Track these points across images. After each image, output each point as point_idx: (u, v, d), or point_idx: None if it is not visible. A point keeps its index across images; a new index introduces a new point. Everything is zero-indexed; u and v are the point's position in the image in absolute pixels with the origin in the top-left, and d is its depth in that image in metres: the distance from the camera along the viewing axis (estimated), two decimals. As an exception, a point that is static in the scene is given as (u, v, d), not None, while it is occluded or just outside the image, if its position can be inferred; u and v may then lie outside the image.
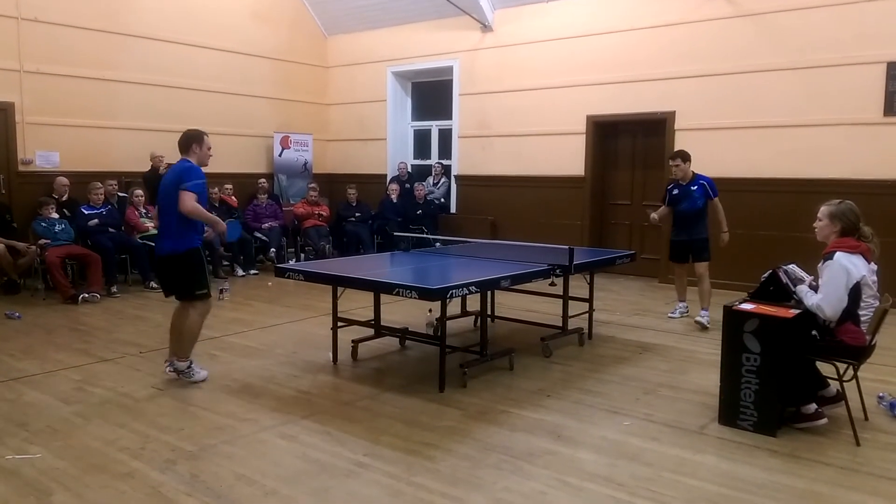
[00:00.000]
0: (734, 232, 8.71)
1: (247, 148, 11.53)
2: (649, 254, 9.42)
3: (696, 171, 7.01)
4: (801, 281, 4.20)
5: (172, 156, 9.63)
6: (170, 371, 4.91)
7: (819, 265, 4.03)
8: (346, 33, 12.56)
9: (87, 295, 7.73)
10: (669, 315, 7.30)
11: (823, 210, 4.12)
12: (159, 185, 4.83)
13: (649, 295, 8.49)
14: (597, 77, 9.71)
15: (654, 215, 7.12)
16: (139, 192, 9.15)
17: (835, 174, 7.90)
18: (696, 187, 6.87)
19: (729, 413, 4.12)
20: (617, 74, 9.52)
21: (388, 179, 11.92)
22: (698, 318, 6.81)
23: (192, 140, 4.78)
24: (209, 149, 4.86)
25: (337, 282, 5.19)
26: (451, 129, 11.62)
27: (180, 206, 4.52)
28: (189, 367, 4.88)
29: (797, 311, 4.01)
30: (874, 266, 4.03)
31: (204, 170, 4.73)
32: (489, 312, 6.45)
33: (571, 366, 5.44)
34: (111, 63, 9.75)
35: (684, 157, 6.98)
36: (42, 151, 9.15)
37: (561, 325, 6.02)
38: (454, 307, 6.07)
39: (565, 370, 5.32)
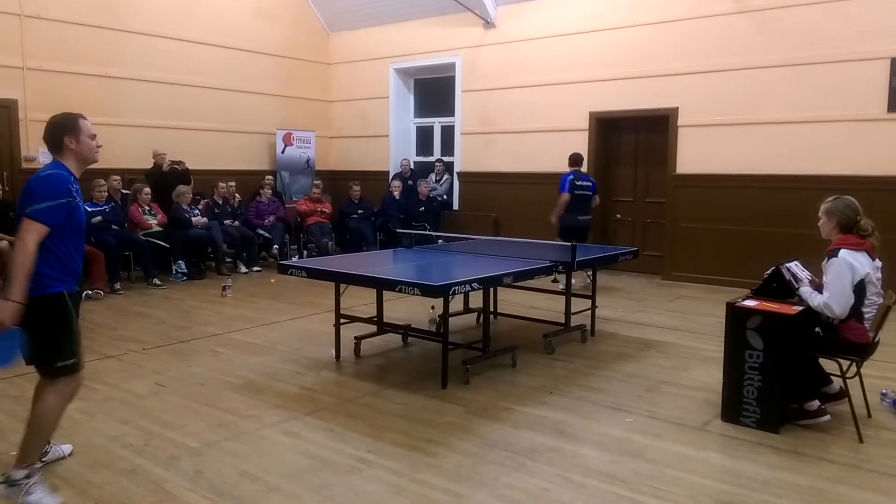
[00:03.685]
0: (737, 228, 8.73)
1: (249, 145, 11.54)
2: (652, 250, 9.42)
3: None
4: (802, 281, 4.18)
5: (175, 153, 9.84)
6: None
7: (823, 262, 4.02)
8: (348, 30, 12.55)
9: (90, 292, 7.74)
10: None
11: (821, 207, 4.13)
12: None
13: (652, 292, 8.49)
14: (599, 73, 9.70)
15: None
16: (147, 189, 9.16)
17: (837, 171, 7.89)
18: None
19: (732, 410, 4.11)
20: (620, 71, 9.51)
21: (391, 176, 11.92)
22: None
23: (63, 131, 3.26)
24: (93, 137, 3.33)
25: (339, 279, 5.20)
26: (453, 126, 11.61)
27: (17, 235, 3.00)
28: (27, 477, 3.08)
29: (800, 308, 4.00)
30: (879, 263, 4.02)
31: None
32: (492, 309, 6.47)
33: (574, 362, 5.44)
34: (114, 60, 9.76)
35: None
36: (45, 148, 9.12)
37: (563, 321, 6.02)
38: (457, 304, 6.08)
39: (568, 367, 5.32)
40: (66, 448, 3.61)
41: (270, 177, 11.09)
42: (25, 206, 3.01)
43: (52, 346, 3.12)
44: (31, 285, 2.99)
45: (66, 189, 3.09)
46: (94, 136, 3.33)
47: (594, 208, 8.66)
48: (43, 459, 3.37)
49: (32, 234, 2.97)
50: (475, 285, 4.71)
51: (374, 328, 5.69)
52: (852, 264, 3.86)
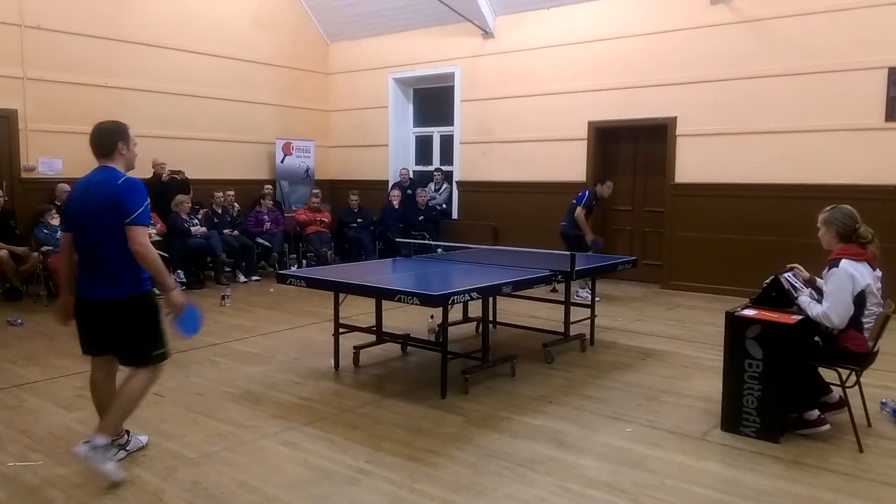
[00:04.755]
0: (736, 237, 8.76)
1: (249, 154, 11.56)
2: (651, 260, 9.42)
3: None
4: (801, 290, 4.18)
5: (174, 162, 9.86)
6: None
7: (824, 272, 4.02)
8: (347, 40, 12.59)
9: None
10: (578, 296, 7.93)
11: (820, 218, 4.14)
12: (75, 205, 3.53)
13: (651, 301, 8.48)
14: (598, 83, 9.73)
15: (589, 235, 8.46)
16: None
17: (836, 180, 7.90)
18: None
19: (731, 419, 4.10)
20: (618, 80, 9.54)
21: (390, 185, 11.94)
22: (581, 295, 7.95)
23: (117, 137, 3.51)
24: (135, 145, 3.62)
25: (339, 288, 5.19)
26: (452, 135, 11.64)
27: (131, 244, 3.31)
28: (108, 446, 3.46)
29: (799, 317, 4.00)
30: (879, 273, 4.03)
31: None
32: (491, 318, 6.46)
33: (573, 372, 5.43)
34: (114, 70, 9.78)
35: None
36: (45, 158, 9.18)
37: (563, 331, 6.01)
38: (456, 313, 6.07)
39: (567, 376, 5.31)
40: (144, 438, 3.84)
41: (270, 186, 11.11)
42: (123, 216, 3.29)
43: (149, 337, 3.50)
44: (129, 285, 3.40)
45: (145, 191, 3.43)
46: (136, 144, 3.61)
47: (577, 218, 8.62)
48: (127, 448, 3.67)
49: (144, 235, 3.34)
50: (474, 294, 4.71)
51: (373, 338, 5.69)
52: (853, 275, 3.86)
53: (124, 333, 3.46)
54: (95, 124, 3.54)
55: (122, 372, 3.63)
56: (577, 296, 7.88)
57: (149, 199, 3.43)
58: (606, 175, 9.59)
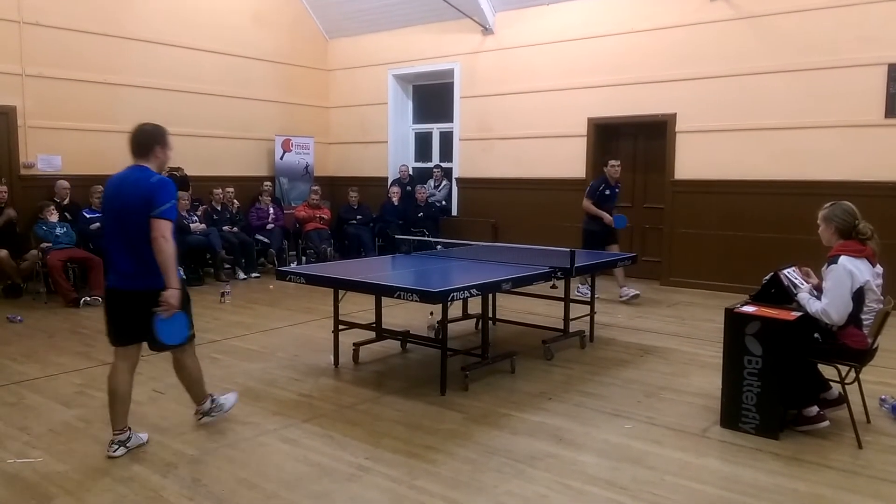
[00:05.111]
0: (735, 234, 8.76)
1: (248, 151, 11.54)
2: (650, 256, 9.43)
3: None
4: (801, 287, 4.18)
5: (173, 159, 9.73)
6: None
7: (823, 268, 4.02)
8: (347, 36, 12.57)
9: (88, 298, 7.74)
10: (621, 296, 8.11)
11: (819, 214, 4.14)
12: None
13: (651, 297, 8.48)
14: (597, 79, 9.72)
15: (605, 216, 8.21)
16: None
17: (836, 176, 7.90)
18: (617, 189, 8.39)
19: (731, 416, 4.11)
20: (618, 77, 9.53)
21: (390, 182, 11.93)
22: (634, 297, 8.07)
23: (154, 141, 3.76)
24: (171, 149, 3.88)
25: (338, 285, 5.19)
26: (452, 132, 11.62)
27: (153, 233, 3.52)
28: (211, 402, 4.18)
29: (799, 314, 4.00)
30: (879, 269, 4.02)
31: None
32: (490, 315, 6.46)
33: (573, 368, 5.44)
34: (113, 67, 9.76)
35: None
36: (44, 155, 9.16)
37: (562, 327, 6.01)
38: (455, 310, 6.07)
39: (567, 373, 5.32)
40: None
41: (269, 183, 11.10)
42: (151, 209, 3.51)
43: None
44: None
45: (175, 190, 3.66)
46: (171, 149, 3.86)
47: (584, 207, 8.45)
48: (127, 445, 3.75)
49: (167, 229, 3.52)
50: (474, 291, 4.71)
51: (372, 334, 5.69)
52: (852, 271, 3.86)
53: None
54: (138, 124, 3.79)
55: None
56: (578, 292, 7.89)
57: (176, 199, 3.64)
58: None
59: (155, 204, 3.52)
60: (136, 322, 3.65)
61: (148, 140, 3.73)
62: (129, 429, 3.78)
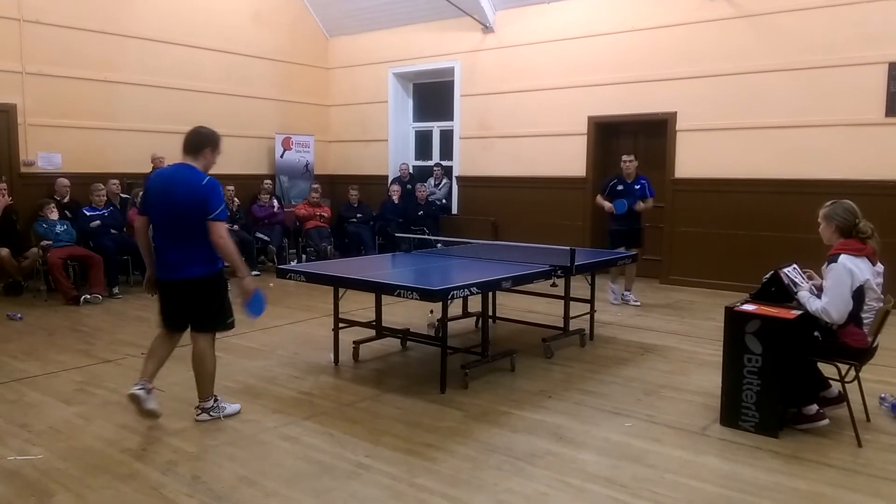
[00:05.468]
0: (735, 232, 8.74)
1: (248, 149, 11.53)
2: (650, 254, 9.41)
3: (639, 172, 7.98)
4: (801, 285, 4.18)
5: (173, 157, 9.74)
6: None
7: (823, 267, 4.02)
8: (347, 34, 12.56)
9: (88, 296, 7.74)
10: (612, 301, 7.94)
11: (820, 213, 4.14)
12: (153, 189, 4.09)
13: (650, 296, 8.48)
14: (598, 78, 9.71)
15: (605, 203, 7.97)
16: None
17: (836, 175, 7.90)
18: (638, 186, 7.85)
19: (731, 414, 4.11)
20: (618, 75, 9.52)
21: (390, 180, 11.93)
22: (634, 302, 7.84)
23: (206, 143, 4.07)
24: (219, 155, 4.18)
25: (338, 283, 5.19)
26: (452, 130, 11.62)
27: (212, 236, 3.91)
28: (215, 401, 4.26)
29: (799, 312, 4.00)
30: (880, 268, 4.02)
31: (209, 172, 4.09)
32: (490, 313, 6.46)
33: (573, 367, 5.44)
34: (113, 65, 9.76)
35: (636, 156, 7.95)
36: (44, 153, 9.16)
37: (562, 326, 6.02)
38: (455, 308, 6.07)
39: (567, 371, 5.32)
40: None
41: (269, 181, 11.10)
42: (205, 212, 3.87)
43: (223, 307, 4.17)
44: (207, 265, 4.01)
45: (222, 191, 4.02)
46: (219, 154, 4.19)
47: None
48: (149, 392, 4.05)
49: (223, 229, 3.95)
50: (474, 289, 4.72)
51: (372, 332, 5.69)
52: (852, 270, 3.86)
53: (203, 306, 4.08)
54: (196, 126, 4.15)
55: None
56: (613, 294, 8.03)
57: (223, 197, 4.01)
58: (609, 169, 9.58)
59: (210, 208, 3.88)
60: (182, 310, 4.09)
61: (202, 141, 4.06)
62: (149, 382, 4.13)
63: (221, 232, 3.91)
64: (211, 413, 4.20)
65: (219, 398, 4.26)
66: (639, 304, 7.91)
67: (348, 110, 12.77)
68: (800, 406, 4.05)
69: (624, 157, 7.95)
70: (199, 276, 4.01)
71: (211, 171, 4.08)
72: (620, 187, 7.86)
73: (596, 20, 9.71)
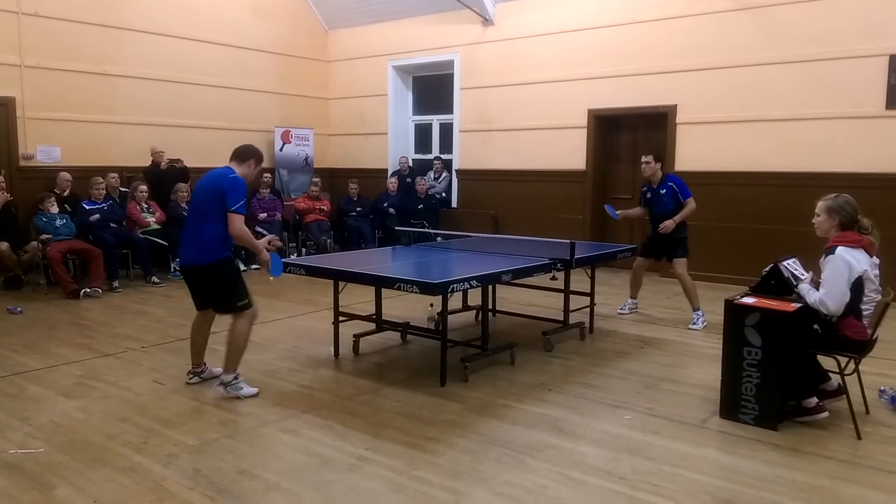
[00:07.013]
0: (735, 225, 8.70)
1: (247, 142, 11.42)
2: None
3: (667, 172, 7.00)
4: (801, 278, 4.18)
5: (173, 150, 9.81)
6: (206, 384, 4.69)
7: (821, 260, 4.03)
8: (346, 27, 12.53)
9: (88, 290, 7.74)
10: (619, 312, 7.14)
11: (820, 205, 4.12)
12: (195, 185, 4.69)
13: (650, 289, 8.47)
14: (598, 71, 9.69)
15: (620, 212, 7.21)
16: (143, 187, 9.14)
17: (836, 168, 7.89)
18: (664, 190, 6.81)
19: (730, 407, 4.12)
20: (618, 68, 9.50)
21: (389, 174, 11.92)
22: (692, 326, 6.55)
23: (252, 155, 4.65)
24: (258, 173, 4.85)
25: (338, 276, 5.20)
26: (452, 124, 11.60)
27: (230, 228, 4.36)
28: (235, 378, 4.51)
29: (798, 305, 4.00)
30: (876, 260, 4.03)
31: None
32: (490, 307, 6.46)
33: (572, 360, 5.45)
34: (112, 58, 9.74)
35: (657, 156, 6.82)
36: (43, 146, 9.15)
37: (562, 319, 6.02)
38: (455, 301, 6.08)
39: (566, 364, 5.33)
40: (254, 390, 4.55)
41: (269, 174, 11.08)
42: (223, 203, 4.32)
43: (232, 291, 4.46)
44: (210, 252, 4.38)
45: (245, 189, 4.45)
46: (259, 173, 4.88)
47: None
48: (202, 377, 4.74)
49: (241, 221, 4.39)
50: (474, 283, 4.71)
51: (372, 326, 5.70)
52: (849, 262, 3.86)
53: (213, 289, 4.49)
54: (247, 143, 4.79)
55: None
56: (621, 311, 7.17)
57: (246, 196, 4.43)
58: (609, 162, 9.56)
59: (228, 201, 4.30)
60: (202, 292, 4.56)
61: (250, 152, 4.64)
62: (205, 364, 4.75)
63: (235, 223, 4.32)
64: (228, 388, 4.44)
65: (239, 377, 4.49)
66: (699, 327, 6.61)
67: (348, 103, 12.75)
68: (799, 399, 4.06)
69: (642, 159, 6.87)
70: (206, 263, 4.39)
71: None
72: (649, 195, 6.94)
73: (596, 13, 9.68)
